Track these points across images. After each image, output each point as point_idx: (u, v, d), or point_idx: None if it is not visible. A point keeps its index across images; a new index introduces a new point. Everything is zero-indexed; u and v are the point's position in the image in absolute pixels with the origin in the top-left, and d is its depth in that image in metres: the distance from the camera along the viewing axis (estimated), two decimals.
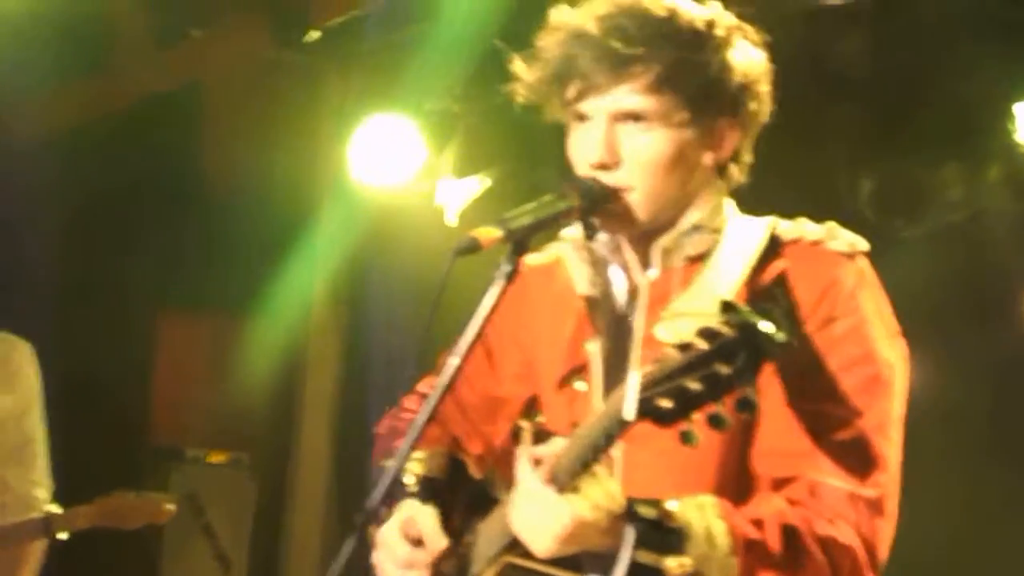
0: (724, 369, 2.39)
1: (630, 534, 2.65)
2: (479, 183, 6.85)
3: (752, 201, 3.06)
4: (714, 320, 2.43)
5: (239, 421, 7.57)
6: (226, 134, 7.65)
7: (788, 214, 3.00)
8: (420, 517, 3.12)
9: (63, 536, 5.44)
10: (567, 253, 3.11)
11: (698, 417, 2.44)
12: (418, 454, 3.20)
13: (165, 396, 7.89)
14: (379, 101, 6.91)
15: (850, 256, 2.91)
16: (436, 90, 6.70)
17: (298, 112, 7.56)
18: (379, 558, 3.15)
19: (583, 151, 2.91)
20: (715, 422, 2.42)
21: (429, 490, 3.19)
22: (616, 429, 2.54)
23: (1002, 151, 5.65)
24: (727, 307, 2.42)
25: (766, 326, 2.38)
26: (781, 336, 2.39)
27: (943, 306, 5.52)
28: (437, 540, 3.10)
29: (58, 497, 5.56)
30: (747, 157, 3.01)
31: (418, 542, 3.11)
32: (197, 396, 7.72)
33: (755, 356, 2.38)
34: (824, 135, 5.93)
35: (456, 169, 6.84)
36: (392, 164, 6.94)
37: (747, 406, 2.40)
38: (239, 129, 7.59)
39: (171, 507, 5.56)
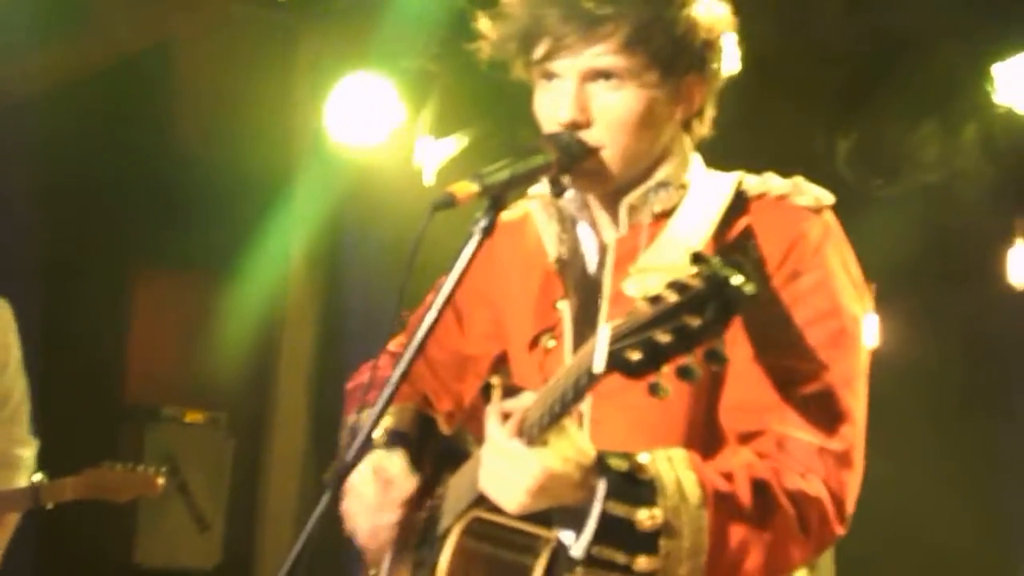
0: (694, 321, 2.38)
1: (601, 486, 2.65)
2: (456, 143, 6.84)
3: (730, 161, 3.06)
4: (683, 273, 2.43)
5: (216, 381, 7.56)
6: (201, 93, 7.62)
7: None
8: (387, 462, 3.15)
9: (49, 507, 5.45)
10: (535, 211, 3.11)
11: (667, 370, 2.44)
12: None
13: (141, 356, 7.88)
14: (354, 60, 6.89)
15: (816, 210, 2.91)
16: (412, 49, 6.68)
17: (273, 70, 7.54)
18: (349, 506, 3.17)
19: (552, 110, 2.90)
20: (684, 374, 2.42)
21: (397, 442, 3.20)
22: (585, 382, 2.54)
23: (980, 112, 5.65)
24: (697, 259, 2.42)
25: (736, 278, 2.38)
26: (750, 288, 2.39)
27: (919, 265, 5.54)
28: (407, 481, 3.12)
29: (36, 457, 5.56)
30: (710, 112, 3.01)
31: (387, 484, 3.12)
32: (174, 356, 7.72)
33: (725, 308, 2.38)
34: (802, 96, 5.92)
35: (433, 129, 6.83)
36: (369, 124, 6.92)
37: (716, 358, 2.40)
38: (214, 88, 7.57)
39: (161, 481, 5.56)
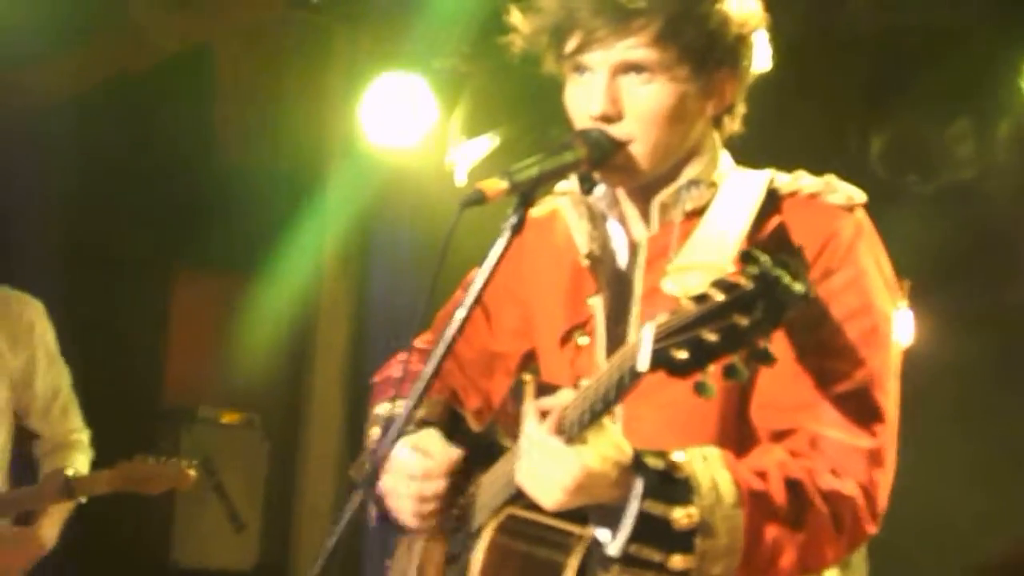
0: (742, 320, 2.37)
1: (638, 485, 2.65)
2: (488, 142, 6.85)
3: (761, 159, 3.06)
4: (726, 272, 2.42)
5: (251, 381, 7.59)
6: (237, 94, 7.65)
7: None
8: (425, 439, 3.15)
9: (83, 499, 5.49)
10: (565, 207, 3.11)
11: (713, 369, 2.43)
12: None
13: (177, 357, 7.92)
14: (388, 60, 6.90)
15: (848, 208, 2.91)
16: (444, 49, 6.69)
17: (308, 71, 7.56)
18: (389, 482, 3.15)
19: (584, 103, 2.90)
20: (731, 373, 2.40)
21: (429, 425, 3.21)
22: (628, 380, 2.53)
23: (1012, 107, 5.63)
24: (747, 257, 2.40)
25: (787, 278, 2.37)
26: (801, 288, 2.38)
27: (953, 261, 5.52)
28: (447, 451, 3.12)
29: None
30: (741, 108, 3.00)
31: (430, 456, 3.13)
32: (209, 357, 7.74)
33: (775, 308, 2.37)
34: (835, 93, 5.91)
35: (466, 129, 6.84)
36: (403, 124, 6.93)
37: (764, 357, 2.39)
38: (249, 89, 7.60)
39: (192, 473, 5.60)
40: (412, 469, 3.13)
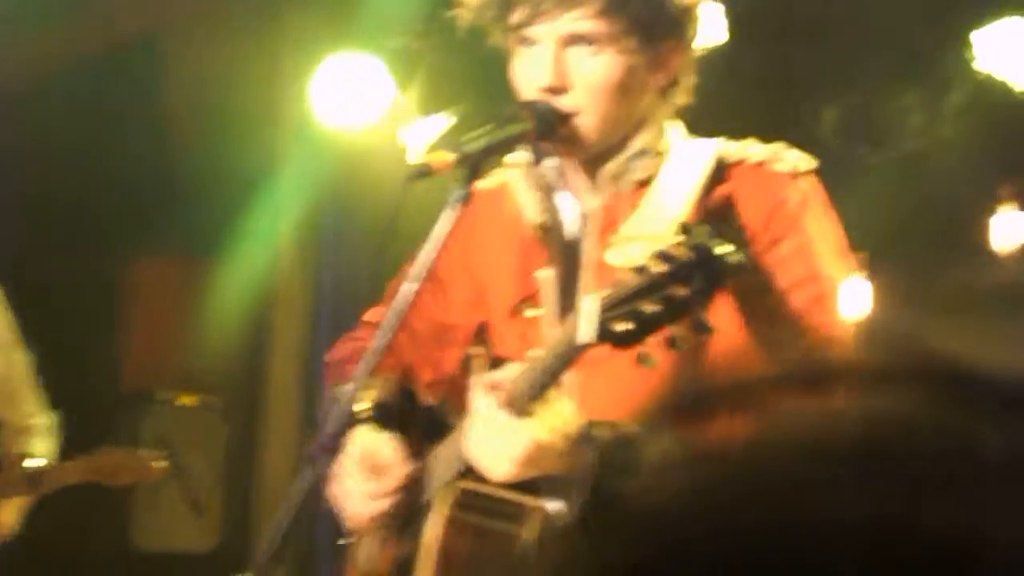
0: (681, 291, 2.40)
1: (588, 456, 2.67)
2: (443, 121, 6.83)
3: (717, 131, 3.06)
4: (668, 242, 2.44)
5: (209, 364, 7.57)
6: (187, 77, 7.62)
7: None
8: (379, 446, 3.13)
9: (48, 491, 5.47)
10: (515, 179, 3.11)
11: (655, 340, 2.45)
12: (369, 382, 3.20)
13: (134, 340, 7.89)
14: (340, 40, 6.88)
15: (794, 176, 2.92)
16: (397, 27, 6.67)
17: (259, 53, 7.53)
18: (340, 491, 3.15)
19: (531, 75, 2.90)
20: (673, 344, 2.43)
21: (383, 416, 3.20)
22: (573, 353, 2.55)
23: (961, 79, 5.66)
24: (684, 229, 2.42)
25: (723, 248, 2.39)
26: (737, 258, 2.40)
27: (906, 231, 5.56)
28: (399, 468, 3.11)
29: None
30: (690, 79, 3.01)
31: (378, 471, 3.12)
32: (166, 340, 7.72)
33: (712, 278, 2.39)
34: (788, 69, 5.93)
35: (420, 107, 6.82)
36: (356, 104, 6.90)
37: (703, 327, 2.41)
38: (199, 71, 7.56)
39: (159, 464, 5.58)
40: (360, 490, 3.11)
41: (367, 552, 3.25)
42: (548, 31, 2.88)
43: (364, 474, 3.11)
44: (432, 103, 6.81)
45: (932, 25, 5.55)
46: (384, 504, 3.11)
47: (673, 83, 2.98)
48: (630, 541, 0.85)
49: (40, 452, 5.53)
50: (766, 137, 3.02)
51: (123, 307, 7.91)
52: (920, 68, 5.68)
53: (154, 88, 7.69)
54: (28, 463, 5.45)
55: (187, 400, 7.78)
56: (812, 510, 0.78)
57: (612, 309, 2.45)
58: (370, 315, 3.37)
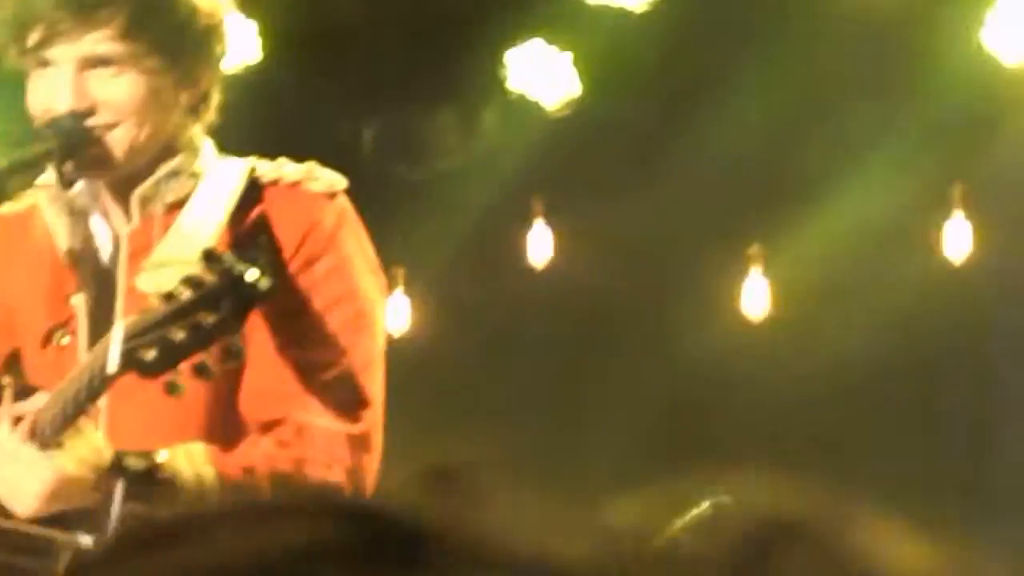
0: (209, 318, 2.39)
1: (118, 488, 2.61)
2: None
3: (252, 150, 3.05)
4: (197, 268, 2.41)
5: None
6: None
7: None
8: None
9: None
10: (43, 202, 3.01)
11: (184, 367, 2.43)
12: None
13: None
14: None
15: (330, 196, 2.93)
16: None
17: None
18: None
19: (49, 99, 2.82)
20: (201, 371, 2.43)
21: None
22: (99, 382, 2.50)
23: (494, 98, 5.81)
24: (209, 255, 2.41)
25: (251, 273, 2.38)
26: (265, 283, 2.40)
27: (445, 249, 5.67)
28: None
29: None
30: (218, 97, 2.98)
31: None
32: None
33: (240, 303, 2.39)
34: (326, 88, 5.95)
35: None
36: None
37: (234, 354, 2.40)
38: None
39: None
40: None
41: None
42: (66, 53, 2.81)
43: None
44: None
45: (468, 45, 5.68)
46: None
47: (203, 101, 2.95)
48: None
49: None
50: (301, 156, 3.02)
51: None
52: (457, 87, 5.80)
53: None
54: None
55: None
56: None
57: (138, 337, 2.42)
58: None
